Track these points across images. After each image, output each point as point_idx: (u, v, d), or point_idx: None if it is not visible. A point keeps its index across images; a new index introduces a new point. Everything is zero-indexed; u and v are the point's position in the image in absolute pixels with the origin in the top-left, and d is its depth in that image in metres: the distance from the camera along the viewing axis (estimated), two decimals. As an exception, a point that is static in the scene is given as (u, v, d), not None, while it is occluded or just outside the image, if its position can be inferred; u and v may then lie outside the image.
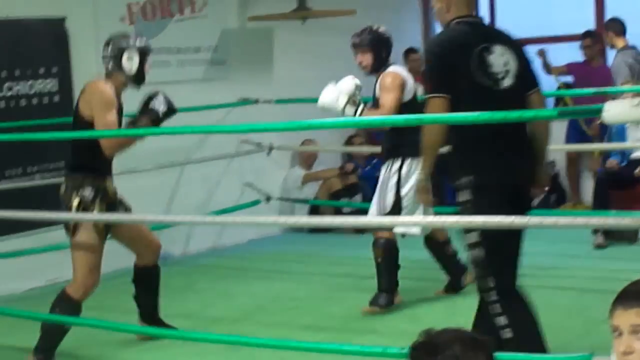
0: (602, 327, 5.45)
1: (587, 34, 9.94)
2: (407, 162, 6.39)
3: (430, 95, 4.59)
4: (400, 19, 11.37)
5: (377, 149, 10.11)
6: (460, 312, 6.34)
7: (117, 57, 5.70)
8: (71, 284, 5.68)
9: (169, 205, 8.86)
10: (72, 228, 5.63)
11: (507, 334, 4.53)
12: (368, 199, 9.71)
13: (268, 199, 9.42)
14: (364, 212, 9.23)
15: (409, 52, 10.35)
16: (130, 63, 5.70)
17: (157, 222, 6.90)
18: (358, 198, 9.70)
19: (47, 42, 7.98)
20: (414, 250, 8.27)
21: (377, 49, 6.66)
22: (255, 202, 9.29)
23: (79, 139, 5.67)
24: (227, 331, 5.92)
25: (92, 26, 8.27)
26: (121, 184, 8.24)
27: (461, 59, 4.54)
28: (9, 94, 7.66)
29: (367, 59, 6.68)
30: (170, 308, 6.90)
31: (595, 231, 7.80)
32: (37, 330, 6.06)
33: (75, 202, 5.59)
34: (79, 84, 8.05)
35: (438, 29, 11.36)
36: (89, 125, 5.57)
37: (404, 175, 6.40)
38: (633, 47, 9.03)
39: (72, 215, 5.55)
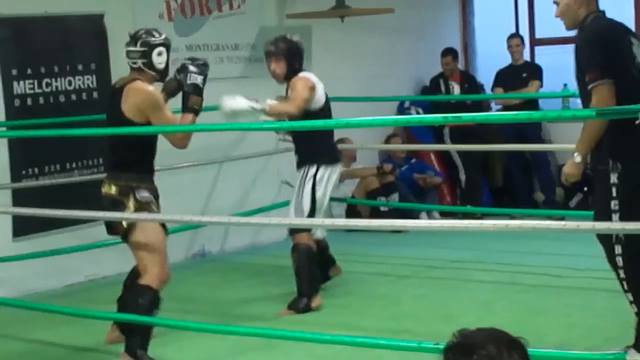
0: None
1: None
2: (322, 168, 6.68)
3: (600, 82, 4.76)
4: (439, 16, 11.34)
5: (416, 148, 10.15)
6: (495, 312, 6.33)
7: (148, 53, 5.58)
8: (144, 277, 5.49)
9: (207, 202, 8.88)
10: (128, 227, 5.47)
11: None
12: (405, 198, 9.75)
13: (305, 197, 9.40)
14: (401, 211, 9.25)
15: (443, 54, 10.29)
16: (160, 59, 5.61)
17: (192, 222, 6.90)
18: (395, 197, 9.68)
19: (85, 39, 8.01)
20: (449, 250, 8.28)
21: (291, 58, 6.69)
22: (292, 201, 9.27)
23: (128, 138, 5.54)
24: (265, 327, 5.92)
25: (130, 23, 8.27)
26: (159, 181, 8.32)
27: (622, 49, 4.88)
28: (48, 89, 7.70)
29: (280, 67, 6.69)
30: (207, 305, 6.93)
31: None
32: (76, 325, 6.11)
33: (132, 203, 5.46)
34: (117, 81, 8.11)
35: (477, 25, 11.43)
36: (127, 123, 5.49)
37: (318, 181, 6.65)
38: None
39: (128, 216, 5.48)
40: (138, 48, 5.59)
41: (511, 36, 10.15)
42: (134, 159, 5.56)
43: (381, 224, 6.14)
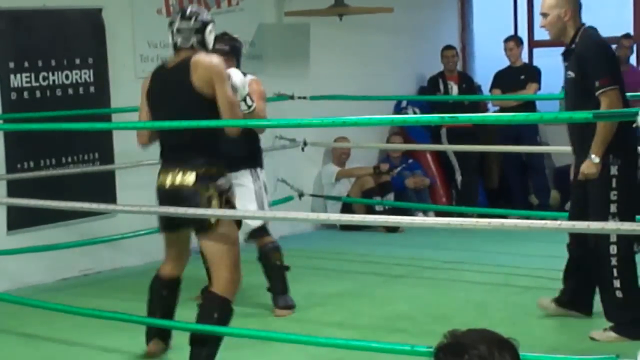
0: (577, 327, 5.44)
1: (628, 36, 9.89)
2: (260, 169, 6.58)
3: (610, 87, 5.33)
4: (438, 16, 11.34)
5: (411, 147, 10.15)
6: (489, 314, 6.33)
7: (201, 31, 5.16)
8: (218, 283, 5.07)
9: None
10: (209, 223, 4.99)
11: None
12: (400, 198, 9.75)
13: (301, 195, 9.40)
14: (396, 210, 9.24)
15: (446, 48, 10.32)
16: (211, 37, 5.24)
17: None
18: (390, 197, 9.69)
19: (83, 33, 8.00)
20: (444, 251, 8.28)
21: (238, 55, 6.51)
22: (289, 198, 9.27)
23: (204, 115, 5.00)
24: (257, 326, 5.92)
25: (128, 18, 8.30)
26: (155, 175, 8.32)
27: (618, 60, 5.61)
28: (45, 83, 7.69)
29: (231, 65, 6.16)
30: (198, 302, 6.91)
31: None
32: (69, 320, 6.09)
33: (213, 193, 4.97)
34: (114, 75, 8.11)
35: (476, 26, 11.42)
36: (211, 104, 5.01)
37: (263, 182, 6.59)
38: None
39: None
40: (192, 25, 5.17)
41: (507, 39, 10.14)
42: (211, 142, 5.08)
43: (375, 219, 6.12)
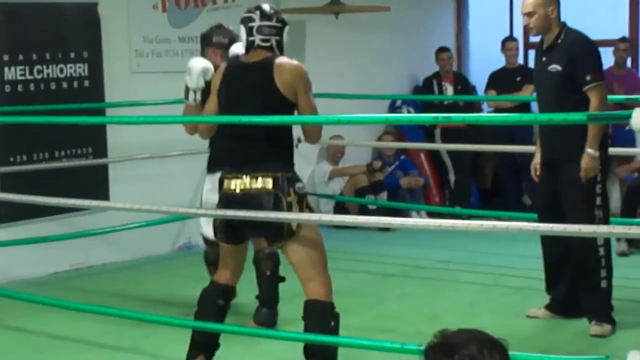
0: (621, 333, 5.47)
1: (624, 39, 9.91)
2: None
3: (599, 82, 5.59)
4: (433, 16, 11.35)
5: (405, 146, 10.15)
6: (480, 314, 6.34)
7: (280, 32, 4.82)
8: (317, 290, 4.67)
9: (196, 192, 8.85)
10: (290, 230, 4.62)
11: None
12: (393, 197, 9.75)
13: (294, 192, 9.39)
14: (389, 209, 9.24)
15: (441, 50, 10.32)
16: (286, 38, 4.89)
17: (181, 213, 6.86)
18: (383, 195, 9.69)
19: (79, 27, 7.99)
20: (436, 250, 8.29)
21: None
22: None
23: (282, 124, 4.75)
24: (247, 323, 5.92)
25: (124, 12, 8.29)
26: (148, 169, 8.33)
27: None
28: (39, 76, 7.68)
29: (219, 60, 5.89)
30: (192, 298, 6.90)
31: (619, 238, 7.81)
32: (59, 314, 6.08)
33: (293, 198, 4.64)
34: (109, 70, 8.10)
35: (471, 27, 11.42)
36: (291, 109, 4.76)
37: None
38: None
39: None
40: (274, 23, 4.82)
41: (507, 39, 10.14)
42: (286, 144, 4.81)
43: (367, 220, 6.11)
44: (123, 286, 7.39)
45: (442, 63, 10.19)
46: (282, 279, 6.00)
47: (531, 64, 10.54)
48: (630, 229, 4.44)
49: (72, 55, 7.90)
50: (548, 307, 6.13)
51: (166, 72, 8.51)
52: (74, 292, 7.04)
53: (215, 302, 4.92)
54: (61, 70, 7.83)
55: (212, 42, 5.90)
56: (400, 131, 10.41)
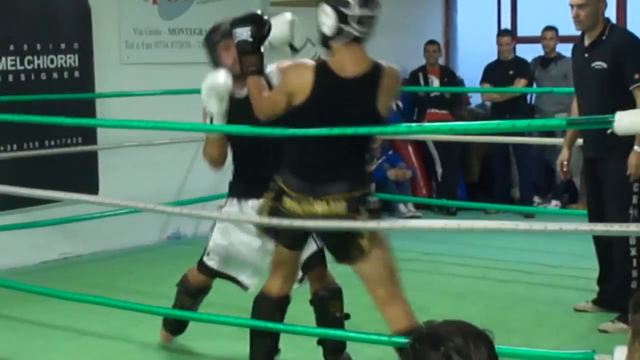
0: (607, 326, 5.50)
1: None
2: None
3: None
4: (422, 11, 11.37)
5: (394, 137, 10.17)
6: (466, 306, 6.38)
7: (375, 23, 4.30)
8: (400, 319, 4.38)
9: (183, 181, 8.88)
10: (361, 249, 4.30)
11: None
12: (381, 190, 9.77)
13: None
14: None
15: (428, 43, 10.35)
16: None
17: (166, 212, 6.88)
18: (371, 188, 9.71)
19: (69, 18, 7.99)
20: (423, 243, 8.32)
21: None
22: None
23: (362, 138, 4.30)
24: (235, 315, 5.95)
25: (115, 3, 8.29)
26: (138, 158, 8.34)
27: None
28: (30, 67, 7.69)
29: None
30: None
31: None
32: (47, 303, 6.10)
33: (365, 217, 4.25)
34: (99, 61, 8.11)
35: (460, 21, 11.44)
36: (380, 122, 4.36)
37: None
38: None
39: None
40: (376, 14, 4.26)
41: (501, 33, 10.11)
42: (360, 157, 4.38)
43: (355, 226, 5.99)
44: (111, 275, 7.42)
45: (427, 55, 10.21)
46: (347, 317, 5.14)
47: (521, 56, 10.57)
48: (612, 227, 4.40)
49: (63, 46, 7.90)
50: (595, 301, 6.10)
51: (156, 64, 8.54)
52: (63, 281, 7.06)
53: (273, 317, 4.65)
54: (52, 61, 7.83)
55: (221, 35, 4.92)
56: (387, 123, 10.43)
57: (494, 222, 4.19)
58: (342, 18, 4.13)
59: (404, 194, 10.07)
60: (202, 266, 5.27)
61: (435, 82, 10.19)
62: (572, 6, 5.69)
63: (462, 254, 7.92)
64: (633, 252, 5.64)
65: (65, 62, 7.90)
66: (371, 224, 4.24)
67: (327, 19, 4.15)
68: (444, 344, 2.17)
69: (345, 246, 4.30)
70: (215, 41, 4.94)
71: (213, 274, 5.26)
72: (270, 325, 4.64)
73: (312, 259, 4.92)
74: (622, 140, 5.35)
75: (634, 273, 5.66)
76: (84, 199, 5.81)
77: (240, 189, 4.99)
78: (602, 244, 5.92)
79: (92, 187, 7.85)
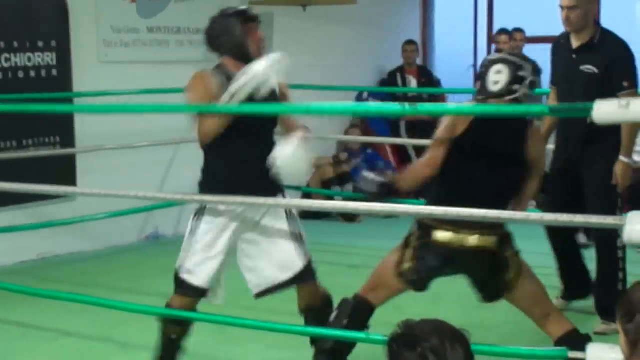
0: (580, 325, 5.55)
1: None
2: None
3: (635, 89, 5.45)
4: (400, 10, 11.41)
5: (371, 140, 10.21)
6: (443, 305, 6.41)
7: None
8: (559, 322, 4.65)
9: (162, 184, 8.89)
10: (506, 284, 4.54)
11: None
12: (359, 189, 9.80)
13: (260, 183, 9.44)
14: (355, 201, 9.28)
15: (406, 43, 10.39)
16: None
17: (148, 198, 6.88)
18: (349, 187, 9.75)
19: (47, 15, 7.98)
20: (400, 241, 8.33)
21: None
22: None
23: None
24: (213, 313, 5.95)
25: (92, 3, 8.29)
26: (116, 160, 8.34)
27: None
28: (7, 65, 7.67)
29: None
30: (159, 287, 6.94)
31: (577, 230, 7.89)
32: (25, 303, 6.09)
33: (512, 254, 4.56)
34: (77, 59, 8.10)
35: (437, 21, 11.49)
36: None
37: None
38: None
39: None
40: (534, 78, 4.52)
41: (499, 32, 10.10)
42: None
43: (334, 206, 6.05)
44: (90, 275, 7.41)
45: (406, 55, 10.25)
46: None
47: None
48: (591, 219, 4.41)
49: (40, 44, 7.90)
50: (564, 297, 6.23)
51: (134, 63, 8.54)
52: (42, 281, 7.05)
53: (366, 326, 4.74)
54: (29, 59, 7.82)
55: (250, 15, 4.75)
56: (367, 124, 10.48)
57: (472, 211, 4.15)
58: (517, 79, 4.38)
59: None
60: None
61: (413, 82, 10.23)
62: (562, 8, 5.66)
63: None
64: (620, 254, 5.71)
65: (43, 60, 7.89)
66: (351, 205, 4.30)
67: (500, 77, 4.40)
68: (420, 344, 2.19)
69: (493, 283, 4.50)
70: (242, 24, 4.71)
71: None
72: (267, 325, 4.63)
73: (304, 274, 4.92)
74: (610, 144, 5.52)
75: (620, 275, 5.73)
76: (72, 191, 5.77)
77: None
78: (559, 239, 6.07)
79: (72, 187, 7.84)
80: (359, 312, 4.69)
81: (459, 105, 4.24)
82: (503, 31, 10.07)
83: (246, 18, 4.71)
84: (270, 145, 4.62)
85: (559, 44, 5.89)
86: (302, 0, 9.29)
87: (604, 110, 3.58)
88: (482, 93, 4.43)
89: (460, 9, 11.42)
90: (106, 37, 8.37)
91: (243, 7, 4.81)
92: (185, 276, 4.81)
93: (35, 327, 6.01)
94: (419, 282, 4.66)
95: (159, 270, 7.55)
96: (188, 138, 8.95)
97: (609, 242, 5.69)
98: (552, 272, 6.33)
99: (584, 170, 5.74)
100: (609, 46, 5.61)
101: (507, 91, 4.35)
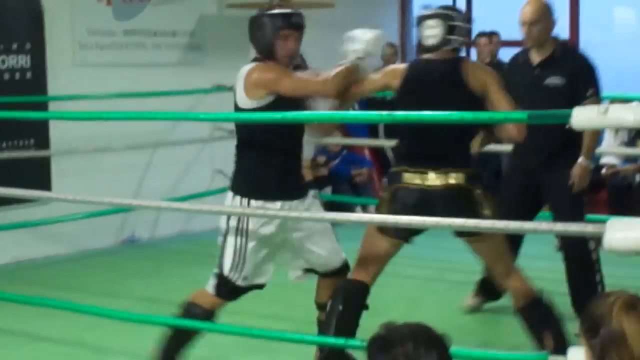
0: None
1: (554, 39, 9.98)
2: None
3: (598, 97, 5.60)
4: (378, 13, 11.39)
5: (349, 142, 10.18)
6: (422, 309, 6.39)
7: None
8: (522, 286, 4.80)
9: (139, 187, 8.84)
10: (484, 217, 4.52)
11: None
12: (338, 191, 9.78)
13: (238, 186, 9.41)
14: (332, 204, 9.27)
15: (385, 46, 10.37)
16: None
17: (125, 205, 6.83)
18: (327, 190, 9.72)
19: (21, 18, 7.92)
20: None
21: None
22: (225, 189, 9.26)
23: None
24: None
25: (68, 5, 8.24)
26: (92, 162, 8.29)
27: None
28: (-19, 68, 7.63)
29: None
30: (135, 291, 6.90)
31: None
32: (2, 309, 6.05)
33: (486, 195, 4.60)
34: (52, 62, 8.04)
35: (414, 24, 11.47)
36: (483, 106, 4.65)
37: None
38: None
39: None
40: (468, 25, 4.78)
41: (479, 35, 10.09)
42: (468, 141, 4.72)
43: (312, 216, 6.06)
44: (66, 279, 7.35)
45: (386, 58, 10.24)
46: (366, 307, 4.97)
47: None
48: (570, 226, 4.43)
49: (15, 46, 7.83)
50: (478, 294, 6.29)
51: (110, 66, 8.49)
52: (16, 284, 6.98)
53: (362, 304, 4.80)
54: (3, 62, 7.76)
55: (282, 23, 4.77)
56: (345, 126, 10.45)
57: (450, 220, 4.18)
58: (449, 29, 4.63)
59: (366, 196, 10.08)
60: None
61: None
62: (523, 23, 5.70)
63: (418, 255, 7.91)
64: (594, 256, 5.72)
65: (17, 62, 7.83)
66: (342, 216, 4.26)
67: (435, 31, 4.65)
68: (394, 349, 2.17)
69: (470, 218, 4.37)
70: (276, 28, 4.74)
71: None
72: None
73: (339, 269, 5.01)
74: (573, 152, 5.61)
75: (597, 277, 5.75)
76: (47, 196, 5.74)
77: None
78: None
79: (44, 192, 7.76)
80: (352, 294, 4.73)
81: (439, 113, 4.22)
82: (482, 34, 10.07)
83: (282, 23, 4.74)
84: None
85: (517, 63, 5.95)
86: (279, 4, 9.24)
87: (583, 117, 3.64)
88: (421, 49, 4.67)
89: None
90: (82, 39, 8.32)
91: (288, 10, 4.88)
92: (240, 282, 4.76)
93: (8, 331, 5.94)
94: (401, 229, 4.67)
95: (134, 274, 7.52)
96: (165, 141, 8.97)
97: (580, 247, 5.71)
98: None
99: (547, 178, 5.78)
100: (572, 58, 5.75)
101: (443, 43, 4.58)
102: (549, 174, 5.75)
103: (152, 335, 5.55)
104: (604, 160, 8.84)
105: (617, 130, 8.66)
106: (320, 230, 4.91)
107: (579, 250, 5.73)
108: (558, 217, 5.66)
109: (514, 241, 6.00)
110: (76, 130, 7.96)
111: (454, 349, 2.23)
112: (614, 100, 7.47)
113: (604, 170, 8.62)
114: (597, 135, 5.75)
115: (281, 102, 4.57)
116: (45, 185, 7.92)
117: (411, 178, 4.59)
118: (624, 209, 7.99)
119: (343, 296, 4.69)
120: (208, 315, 4.85)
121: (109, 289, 6.93)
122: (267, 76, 4.57)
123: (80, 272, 7.66)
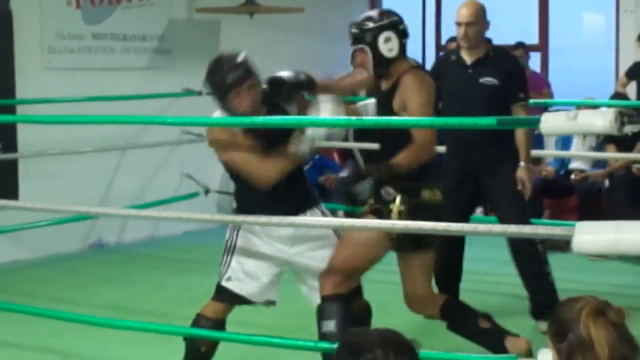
0: (530, 332, 5.55)
1: (520, 45, 10.04)
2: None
3: (528, 100, 5.85)
4: (348, 16, 11.30)
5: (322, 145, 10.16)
6: (393, 314, 6.37)
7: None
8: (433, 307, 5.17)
9: (107, 190, 8.79)
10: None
11: None
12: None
13: (207, 191, 9.38)
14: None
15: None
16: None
17: (90, 213, 6.77)
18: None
19: (-10, 22, 7.87)
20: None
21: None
22: (194, 195, 9.25)
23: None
24: (158, 322, 5.87)
25: (37, 8, 8.19)
26: (60, 165, 8.23)
27: None
28: (-52, 72, 7.56)
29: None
30: (101, 297, 6.85)
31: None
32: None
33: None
34: (20, 65, 7.99)
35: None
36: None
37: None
38: None
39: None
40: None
41: (450, 40, 10.10)
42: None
43: (280, 221, 6.04)
44: (32, 284, 7.29)
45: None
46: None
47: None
48: (538, 229, 4.48)
49: (-18, 51, 7.78)
50: None
51: (79, 69, 8.45)
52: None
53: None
54: (-29, 66, 7.71)
55: (233, 80, 4.87)
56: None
57: (420, 223, 4.21)
58: (403, 34, 5.27)
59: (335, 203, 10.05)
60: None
61: (363, 90, 10.18)
62: (459, 24, 5.91)
63: (388, 261, 7.89)
64: (540, 248, 5.90)
65: (-15, 67, 7.77)
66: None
67: (392, 43, 5.17)
68: (364, 354, 2.17)
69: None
70: (224, 90, 4.81)
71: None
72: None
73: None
74: (507, 151, 5.78)
75: (547, 268, 5.92)
76: (13, 205, 5.68)
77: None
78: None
79: (11, 195, 7.68)
80: (346, 311, 4.79)
81: (406, 118, 4.26)
82: (453, 39, 10.06)
83: (228, 83, 4.80)
84: None
85: (448, 61, 6.14)
86: (248, 9, 9.23)
87: (552, 123, 3.67)
88: (384, 63, 5.07)
89: (408, 15, 11.40)
90: (50, 43, 8.27)
91: (228, 65, 4.89)
92: (224, 282, 4.83)
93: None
94: (403, 238, 4.88)
95: (101, 279, 7.47)
96: (134, 144, 8.92)
97: (528, 243, 5.84)
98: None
99: (485, 179, 5.92)
100: (505, 59, 5.96)
101: (402, 51, 5.04)
102: (492, 179, 5.89)
103: (118, 340, 5.53)
104: (573, 165, 8.88)
105: (584, 135, 8.70)
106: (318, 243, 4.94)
107: (525, 242, 5.84)
108: (505, 221, 5.70)
109: (458, 244, 6.11)
110: (44, 133, 7.89)
111: (425, 352, 2.22)
112: (580, 106, 7.56)
113: (573, 176, 8.65)
114: (529, 138, 5.83)
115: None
116: (13, 188, 7.86)
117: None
118: (594, 214, 8.02)
119: (343, 315, 4.80)
120: (215, 324, 4.84)
121: (75, 294, 6.88)
122: (219, 139, 4.79)
123: (47, 277, 7.60)
